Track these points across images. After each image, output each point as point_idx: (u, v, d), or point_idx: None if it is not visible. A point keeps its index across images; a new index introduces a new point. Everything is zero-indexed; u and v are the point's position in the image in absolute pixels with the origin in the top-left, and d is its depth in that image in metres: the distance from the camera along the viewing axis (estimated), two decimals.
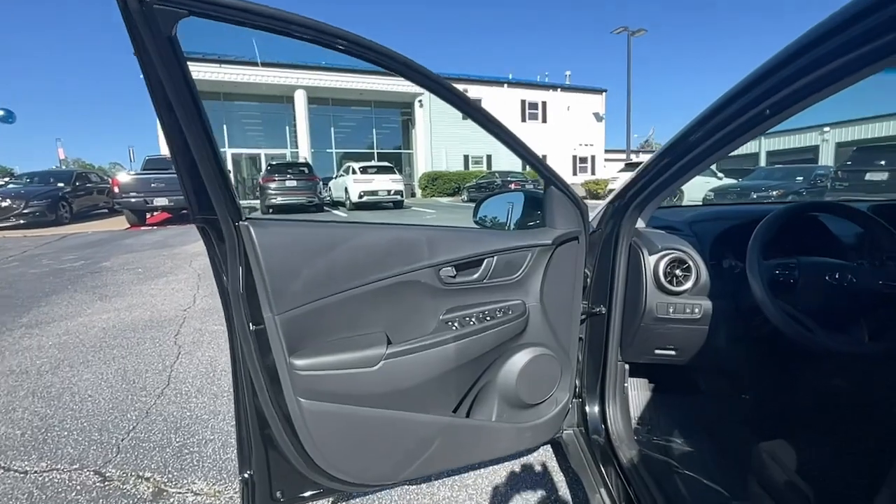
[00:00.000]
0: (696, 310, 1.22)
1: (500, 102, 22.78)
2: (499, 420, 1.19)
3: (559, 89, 24.78)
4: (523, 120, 23.81)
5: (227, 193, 0.83)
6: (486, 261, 1.13)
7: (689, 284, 1.21)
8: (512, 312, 1.15)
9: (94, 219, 12.18)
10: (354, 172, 13.27)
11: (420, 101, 20.78)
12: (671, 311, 1.22)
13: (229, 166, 17.48)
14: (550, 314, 1.23)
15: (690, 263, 1.22)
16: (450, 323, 1.08)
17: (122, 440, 1.84)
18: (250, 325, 0.90)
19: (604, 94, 25.81)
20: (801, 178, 10.88)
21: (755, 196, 9.73)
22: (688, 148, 1.00)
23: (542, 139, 23.37)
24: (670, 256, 1.21)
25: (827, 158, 19.54)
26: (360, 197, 12.88)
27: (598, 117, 25.74)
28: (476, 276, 1.12)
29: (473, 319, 1.10)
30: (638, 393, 1.56)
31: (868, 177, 8.67)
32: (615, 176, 13.52)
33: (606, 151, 26.32)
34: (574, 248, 1.24)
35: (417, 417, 1.04)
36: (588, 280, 1.32)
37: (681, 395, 1.58)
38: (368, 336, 0.98)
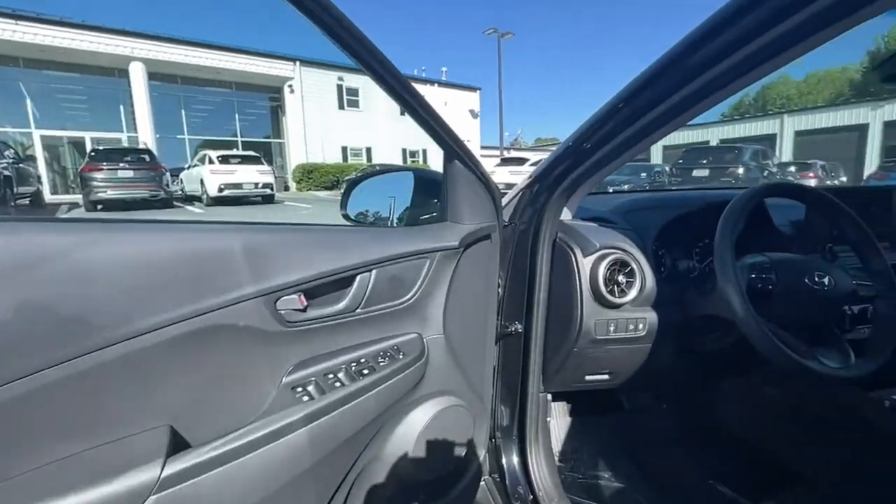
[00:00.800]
0: (641, 325, 0.95)
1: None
2: None
3: (436, 84, 24.95)
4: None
5: None
6: (359, 278, 0.71)
7: (633, 293, 0.94)
8: (404, 355, 0.75)
9: None
10: (211, 162, 11.43)
11: (290, 86, 19.01)
12: (612, 329, 0.94)
13: (39, 152, 13.91)
14: (458, 346, 0.86)
15: (634, 266, 0.94)
16: (299, 389, 0.64)
17: None
18: None
19: (478, 91, 26.77)
20: (645, 174, 12.53)
21: (611, 190, 10.89)
22: (639, 111, 0.72)
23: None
24: (612, 258, 0.92)
25: (657, 158, 23.41)
26: (221, 190, 11.17)
27: (473, 114, 26.59)
28: (343, 303, 0.70)
29: (342, 376, 0.67)
30: (556, 422, 1.29)
31: (695, 173, 10.28)
32: (492, 170, 14.03)
33: (482, 148, 27.41)
34: (486, 249, 0.89)
35: None
36: (500, 290, 0.99)
37: (603, 418, 1.35)
38: (125, 444, 0.50)
